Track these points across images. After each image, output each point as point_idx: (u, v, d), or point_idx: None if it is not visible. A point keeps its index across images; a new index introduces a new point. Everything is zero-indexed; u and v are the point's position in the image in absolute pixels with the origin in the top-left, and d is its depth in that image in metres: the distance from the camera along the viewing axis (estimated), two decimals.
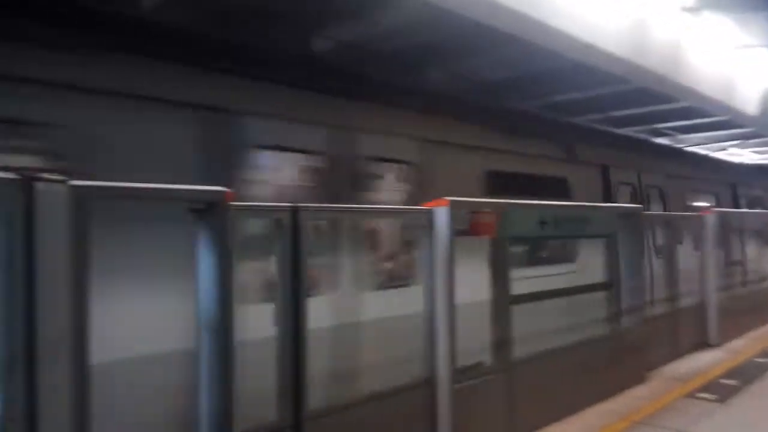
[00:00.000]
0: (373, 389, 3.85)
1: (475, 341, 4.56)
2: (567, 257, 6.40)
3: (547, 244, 6.16)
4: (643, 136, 13.19)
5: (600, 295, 5.87)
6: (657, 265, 7.18)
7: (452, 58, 8.39)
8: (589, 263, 6.08)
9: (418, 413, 4.12)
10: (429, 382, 4.16)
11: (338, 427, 3.59)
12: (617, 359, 5.83)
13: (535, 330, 5.08)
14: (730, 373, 6.46)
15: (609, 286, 5.89)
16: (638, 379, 6.07)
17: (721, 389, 5.87)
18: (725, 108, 10.70)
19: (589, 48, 6.81)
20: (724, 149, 16.62)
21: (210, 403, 2.86)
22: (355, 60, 7.76)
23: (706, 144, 15.18)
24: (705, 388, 5.91)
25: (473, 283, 4.65)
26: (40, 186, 2.29)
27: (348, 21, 7.10)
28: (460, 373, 4.22)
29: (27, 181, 2.27)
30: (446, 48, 7.88)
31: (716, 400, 5.53)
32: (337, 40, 7.52)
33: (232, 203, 2.98)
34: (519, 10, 5.81)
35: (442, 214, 4.28)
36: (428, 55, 8.20)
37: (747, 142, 15.76)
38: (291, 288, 3.36)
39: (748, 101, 10.91)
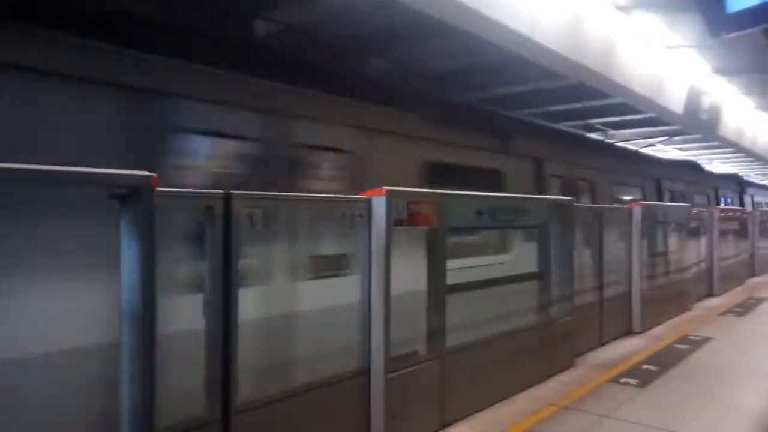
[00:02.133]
0: (306, 380, 3.80)
1: (411, 330, 4.59)
2: (510, 247, 6.53)
3: (488, 235, 6.26)
4: (576, 130, 13.65)
5: (532, 285, 6.01)
6: (586, 255, 7.43)
7: (396, 46, 8.40)
8: (527, 254, 6.22)
9: (353, 402, 4.12)
10: (364, 372, 4.16)
11: (270, 420, 3.53)
12: (547, 347, 6.02)
13: (470, 319, 5.16)
14: (651, 359, 6.80)
15: (541, 275, 6.05)
16: (567, 365, 6.29)
17: (643, 374, 6.17)
18: (654, 106, 11.21)
19: (528, 42, 6.94)
20: (651, 145, 17.48)
21: (132, 397, 2.73)
22: (299, 45, 7.63)
23: (635, 140, 15.92)
24: (628, 374, 6.19)
25: (411, 272, 4.67)
26: None
27: (292, 4, 6.96)
28: (394, 363, 4.23)
29: None
30: (390, 36, 7.88)
31: (637, 385, 5.80)
32: (282, 23, 7.36)
33: (157, 189, 2.84)
34: (460, 1, 5.84)
35: (379, 204, 4.26)
36: (372, 43, 8.18)
37: (672, 139, 16.64)
38: (222, 280, 3.26)
39: (674, 100, 11.45)
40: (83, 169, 2.63)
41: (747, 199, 18.46)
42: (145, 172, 2.81)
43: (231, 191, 3.33)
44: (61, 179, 2.60)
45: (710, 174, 16.98)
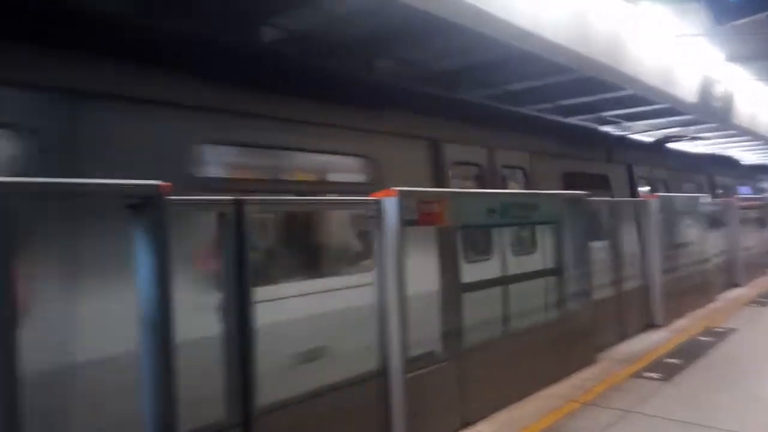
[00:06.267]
0: (326, 382, 3.80)
1: (426, 330, 4.57)
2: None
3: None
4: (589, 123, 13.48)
5: (549, 281, 5.96)
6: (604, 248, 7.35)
7: (401, 47, 8.41)
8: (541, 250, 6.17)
9: (372, 403, 4.11)
10: (382, 373, 4.15)
11: (291, 422, 3.54)
12: (567, 343, 5.95)
13: (487, 317, 5.13)
14: (674, 352, 6.69)
15: (558, 271, 5.99)
16: (588, 361, 6.22)
17: (666, 368, 6.07)
18: (666, 96, 11.08)
19: (530, 36, 6.90)
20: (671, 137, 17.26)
21: (153, 404, 2.76)
22: (304, 50, 7.63)
23: (649, 131, 15.71)
24: (651, 368, 6.10)
25: (427, 272, 4.65)
26: None
27: (296, 9, 6.99)
28: (411, 363, 4.22)
29: None
30: (395, 37, 7.89)
31: (661, 379, 5.71)
32: (286, 29, 7.37)
33: (169, 197, 2.87)
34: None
35: (390, 205, 4.25)
36: (378, 46, 8.20)
37: (687, 129, 16.41)
38: (236, 284, 3.28)
39: (686, 90, 11.31)
40: (98, 180, 2.69)
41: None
42: (156, 181, 2.84)
43: (242, 197, 3.35)
44: (79, 191, 2.67)
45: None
